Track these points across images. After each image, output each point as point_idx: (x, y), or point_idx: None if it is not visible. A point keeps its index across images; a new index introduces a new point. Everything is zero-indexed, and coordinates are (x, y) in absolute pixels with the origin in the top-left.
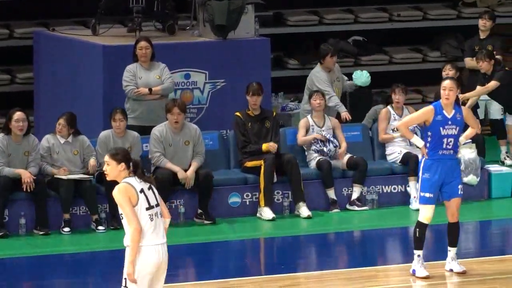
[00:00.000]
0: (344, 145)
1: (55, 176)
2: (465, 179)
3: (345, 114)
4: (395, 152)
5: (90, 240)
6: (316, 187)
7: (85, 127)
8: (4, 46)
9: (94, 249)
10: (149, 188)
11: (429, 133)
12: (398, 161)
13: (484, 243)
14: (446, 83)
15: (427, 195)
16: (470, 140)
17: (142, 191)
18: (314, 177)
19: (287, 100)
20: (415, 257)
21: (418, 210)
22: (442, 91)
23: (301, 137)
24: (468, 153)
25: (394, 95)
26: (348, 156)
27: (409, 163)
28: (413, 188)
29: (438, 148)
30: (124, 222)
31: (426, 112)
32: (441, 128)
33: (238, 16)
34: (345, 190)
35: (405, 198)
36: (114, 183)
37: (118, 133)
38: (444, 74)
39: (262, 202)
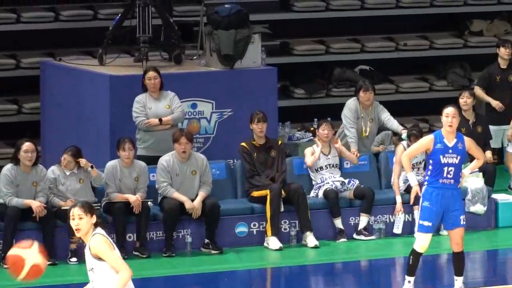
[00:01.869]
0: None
1: (62, 208)
2: (472, 208)
3: (354, 151)
4: (400, 181)
5: None
6: (323, 217)
7: (92, 157)
8: (11, 76)
9: None
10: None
11: (430, 161)
12: (403, 190)
13: (491, 272)
14: (450, 110)
15: (426, 223)
16: (477, 170)
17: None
18: (321, 207)
19: (294, 130)
20: (406, 282)
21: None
22: (445, 118)
23: (309, 159)
24: (475, 182)
25: (410, 142)
26: (355, 185)
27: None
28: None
29: (439, 177)
30: (100, 274)
31: (426, 141)
32: (441, 157)
33: (244, 45)
34: (352, 219)
35: (412, 227)
36: (121, 212)
37: (126, 162)
38: (462, 101)
39: (269, 232)
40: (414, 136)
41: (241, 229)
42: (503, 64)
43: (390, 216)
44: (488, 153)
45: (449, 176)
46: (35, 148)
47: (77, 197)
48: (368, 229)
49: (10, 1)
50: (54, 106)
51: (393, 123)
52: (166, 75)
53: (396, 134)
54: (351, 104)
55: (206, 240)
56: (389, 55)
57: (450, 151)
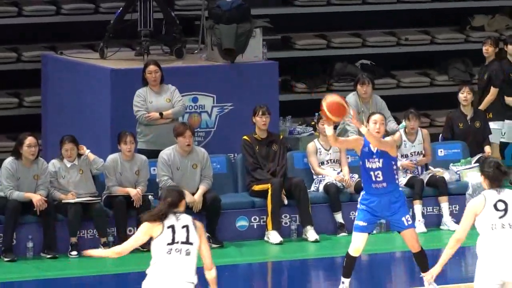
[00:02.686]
0: (346, 169)
1: (62, 201)
2: None
3: None
4: (399, 176)
5: (98, 263)
6: (324, 211)
7: (93, 150)
8: (12, 69)
9: (101, 273)
10: (184, 226)
11: (361, 162)
12: (403, 185)
13: None
14: (377, 117)
15: (361, 223)
16: (477, 164)
17: (171, 226)
18: (321, 201)
19: (295, 124)
20: (340, 283)
21: (423, 233)
22: (372, 125)
23: (317, 168)
24: (475, 177)
25: (408, 121)
26: (355, 179)
27: (415, 187)
28: (419, 211)
29: (370, 182)
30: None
31: (356, 139)
32: (366, 161)
33: (246, 39)
34: (352, 213)
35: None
36: (122, 206)
37: (128, 155)
38: (462, 96)
39: (269, 226)
40: (413, 114)
41: (242, 223)
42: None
43: None
44: (487, 148)
45: (378, 179)
46: (37, 142)
47: (78, 189)
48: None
49: None
50: (55, 100)
51: (390, 124)
52: (167, 69)
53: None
54: (351, 99)
55: (207, 234)
56: (391, 50)
57: (374, 156)
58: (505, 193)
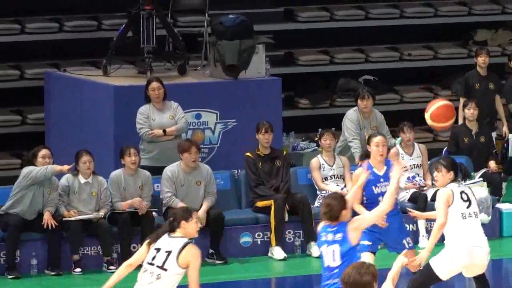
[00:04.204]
0: (349, 184)
1: (63, 219)
2: None
3: (358, 161)
4: (402, 191)
5: (102, 280)
6: None
7: (96, 168)
8: (15, 87)
9: None
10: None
11: (364, 193)
12: (406, 200)
13: (496, 281)
14: (379, 139)
15: (366, 242)
16: (482, 179)
17: (157, 248)
18: None
19: (298, 140)
20: None
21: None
22: (374, 148)
23: (321, 184)
24: (479, 192)
25: (403, 134)
26: None
27: (418, 202)
28: (422, 226)
29: (374, 206)
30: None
31: (359, 174)
32: (373, 188)
33: (249, 56)
34: None
35: (416, 237)
36: (126, 223)
37: (132, 169)
38: (468, 112)
39: (273, 242)
40: (407, 127)
41: (246, 239)
42: (482, 72)
43: None
44: (492, 163)
45: None
46: (51, 154)
47: (85, 209)
48: None
49: (15, 12)
50: (58, 117)
51: (389, 140)
52: (170, 85)
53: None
54: (352, 115)
55: (211, 250)
56: (393, 65)
57: (382, 179)
58: (464, 186)
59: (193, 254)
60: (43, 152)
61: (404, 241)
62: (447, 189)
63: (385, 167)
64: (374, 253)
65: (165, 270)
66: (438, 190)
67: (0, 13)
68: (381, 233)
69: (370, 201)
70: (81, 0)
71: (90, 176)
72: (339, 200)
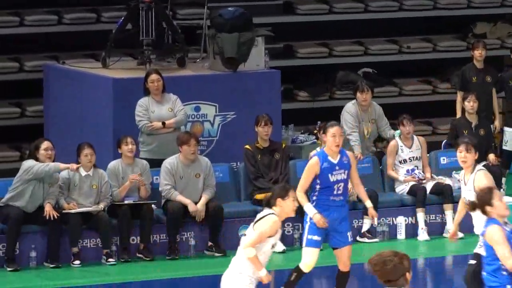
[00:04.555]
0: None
1: (63, 211)
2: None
3: (358, 153)
4: (401, 184)
5: (101, 272)
6: None
7: (95, 160)
8: (14, 79)
9: (104, 282)
10: None
11: (318, 181)
12: (405, 193)
13: None
14: (335, 130)
15: (315, 237)
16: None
17: None
18: None
19: (297, 132)
20: None
21: (425, 241)
22: (331, 138)
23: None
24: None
25: (403, 127)
26: None
27: (417, 195)
28: (421, 219)
29: (329, 195)
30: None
31: (312, 166)
32: (329, 175)
33: (248, 48)
34: (355, 222)
35: (415, 230)
36: (126, 215)
37: (129, 157)
38: (468, 105)
39: None
40: (407, 119)
41: (245, 231)
42: (479, 65)
43: (394, 219)
44: (492, 156)
45: (339, 192)
46: (53, 147)
47: (86, 202)
48: (372, 232)
49: (14, 4)
50: (57, 109)
51: (388, 132)
52: (169, 78)
53: (383, 139)
54: (351, 108)
55: (210, 243)
56: (393, 58)
57: (337, 167)
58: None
59: (267, 220)
60: (46, 144)
61: (348, 234)
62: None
63: (339, 155)
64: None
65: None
66: (436, 182)
67: None
68: (334, 226)
69: (325, 188)
70: None
71: (91, 169)
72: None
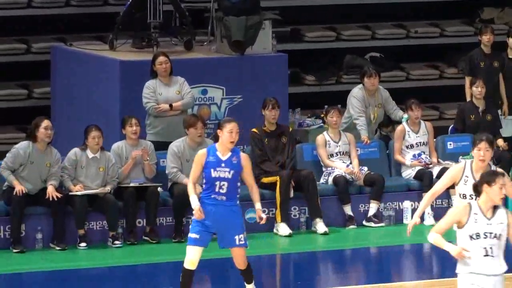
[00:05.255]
0: (355, 161)
1: (69, 193)
2: None
3: (365, 137)
4: (408, 168)
5: (107, 255)
6: (333, 203)
7: (102, 142)
8: (21, 61)
9: (110, 264)
10: None
11: (204, 174)
12: (412, 177)
13: None
14: (233, 126)
15: (193, 235)
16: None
17: None
18: (330, 193)
19: (304, 116)
20: None
21: (432, 225)
22: (227, 134)
23: (326, 161)
24: None
25: (411, 112)
26: (365, 172)
27: (424, 179)
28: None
29: (210, 191)
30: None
31: (198, 157)
32: (212, 170)
33: (255, 32)
34: (361, 206)
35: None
36: (132, 197)
37: (133, 139)
38: (476, 90)
39: (278, 218)
40: (415, 104)
41: (251, 215)
42: (486, 50)
43: (400, 203)
44: (501, 141)
45: (221, 191)
46: (52, 126)
47: (92, 184)
48: (378, 216)
49: None
50: (64, 91)
51: (397, 114)
52: (176, 60)
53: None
54: (358, 93)
55: None
56: (400, 42)
57: (223, 164)
58: None
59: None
60: (46, 123)
61: (236, 237)
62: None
63: (230, 153)
64: (204, 247)
65: None
66: (443, 167)
67: None
68: (213, 225)
69: (208, 183)
70: None
71: (98, 151)
72: None
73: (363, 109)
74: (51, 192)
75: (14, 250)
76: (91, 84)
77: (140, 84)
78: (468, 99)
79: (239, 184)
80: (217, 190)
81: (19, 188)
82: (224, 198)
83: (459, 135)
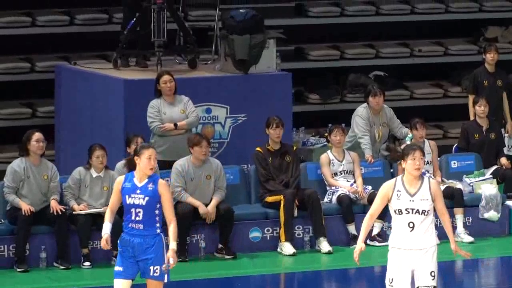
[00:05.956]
0: (359, 180)
1: (73, 212)
2: (485, 215)
3: (368, 157)
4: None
5: (110, 274)
6: (337, 222)
7: (107, 161)
8: (25, 79)
9: None
10: None
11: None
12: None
13: (504, 279)
14: (151, 152)
15: (117, 268)
16: (491, 176)
17: None
18: (334, 212)
19: (308, 135)
20: None
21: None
22: (146, 160)
23: (330, 180)
24: (489, 189)
25: (416, 131)
26: (369, 191)
27: (455, 197)
28: (460, 222)
29: (128, 220)
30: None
31: (116, 184)
32: (127, 196)
33: (259, 50)
34: None
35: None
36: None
37: None
38: (479, 109)
39: (282, 237)
40: (420, 123)
41: (255, 234)
42: (490, 69)
43: None
44: (504, 160)
45: (137, 218)
46: (44, 139)
47: (96, 203)
48: (382, 235)
49: (25, 5)
50: (68, 110)
51: (402, 131)
52: (180, 79)
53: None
54: (363, 112)
55: (220, 245)
56: (404, 61)
57: (138, 191)
58: None
59: None
60: (37, 136)
61: (151, 268)
62: None
63: (147, 179)
64: (130, 279)
65: None
66: (447, 186)
67: (11, 5)
68: (134, 255)
69: (126, 210)
70: None
71: (102, 170)
72: None
73: (367, 128)
74: (55, 206)
75: (18, 270)
76: (95, 102)
77: (145, 102)
78: (471, 117)
79: (157, 212)
80: (133, 218)
81: (26, 208)
82: (141, 226)
83: (463, 154)
